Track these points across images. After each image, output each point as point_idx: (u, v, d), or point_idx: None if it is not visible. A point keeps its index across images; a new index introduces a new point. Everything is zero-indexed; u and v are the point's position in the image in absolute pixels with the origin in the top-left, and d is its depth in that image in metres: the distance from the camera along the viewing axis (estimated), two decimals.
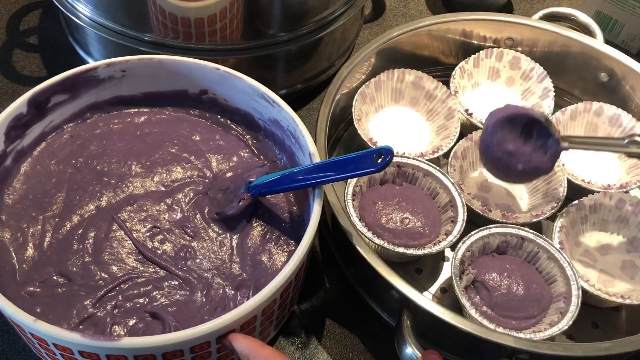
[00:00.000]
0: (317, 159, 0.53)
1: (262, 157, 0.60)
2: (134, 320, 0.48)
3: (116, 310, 0.48)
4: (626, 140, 0.56)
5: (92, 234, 0.52)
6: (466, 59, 0.73)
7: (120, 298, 0.48)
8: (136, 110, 0.62)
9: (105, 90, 0.59)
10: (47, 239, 0.52)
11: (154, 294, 0.49)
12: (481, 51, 0.73)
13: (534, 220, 0.60)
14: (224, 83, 0.59)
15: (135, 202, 0.55)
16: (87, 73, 0.57)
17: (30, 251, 0.51)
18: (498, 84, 0.74)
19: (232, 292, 0.50)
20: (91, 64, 0.57)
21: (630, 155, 0.59)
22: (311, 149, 0.53)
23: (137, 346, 0.41)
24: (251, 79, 0.57)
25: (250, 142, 0.61)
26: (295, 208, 0.57)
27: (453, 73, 0.72)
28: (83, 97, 0.58)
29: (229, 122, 0.62)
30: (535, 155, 0.56)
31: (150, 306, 0.48)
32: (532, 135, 0.56)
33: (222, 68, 0.58)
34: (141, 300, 0.49)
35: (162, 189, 0.56)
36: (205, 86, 0.60)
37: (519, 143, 0.56)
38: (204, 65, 0.58)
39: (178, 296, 0.49)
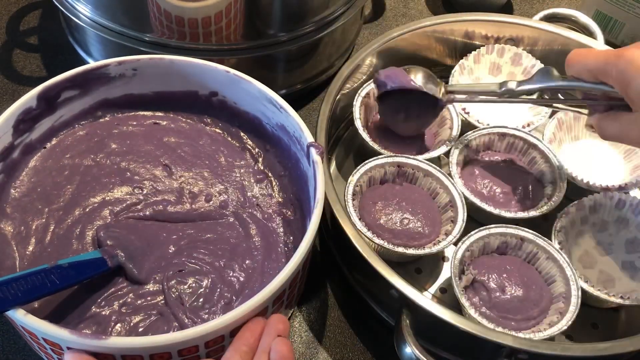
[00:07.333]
0: (319, 168, 0.52)
1: (270, 174, 0.59)
2: (139, 318, 0.48)
3: (124, 309, 0.48)
4: (502, 89, 0.59)
5: (91, 232, 0.52)
6: (466, 56, 0.73)
7: (132, 296, 0.49)
8: (152, 114, 0.61)
9: (116, 87, 0.59)
10: (49, 233, 0.52)
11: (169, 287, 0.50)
12: (482, 47, 0.73)
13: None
14: (234, 86, 0.59)
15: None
16: (98, 70, 0.57)
17: (32, 246, 0.51)
18: (500, 79, 0.74)
19: (234, 295, 0.50)
20: (102, 61, 0.57)
21: (504, 101, 0.62)
22: (315, 157, 0.52)
23: (123, 346, 0.41)
24: (260, 84, 0.57)
25: (259, 160, 0.60)
26: (295, 209, 0.57)
27: (452, 71, 0.72)
28: (93, 94, 0.58)
29: (241, 133, 0.61)
30: (422, 115, 0.64)
31: (160, 303, 0.49)
32: (419, 100, 0.63)
33: (232, 71, 0.58)
34: (149, 298, 0.49)
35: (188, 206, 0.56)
36: (215, 88, 0.60)
37: (408, 111, 0.64)
38: (214, 68, 0.58)
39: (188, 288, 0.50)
